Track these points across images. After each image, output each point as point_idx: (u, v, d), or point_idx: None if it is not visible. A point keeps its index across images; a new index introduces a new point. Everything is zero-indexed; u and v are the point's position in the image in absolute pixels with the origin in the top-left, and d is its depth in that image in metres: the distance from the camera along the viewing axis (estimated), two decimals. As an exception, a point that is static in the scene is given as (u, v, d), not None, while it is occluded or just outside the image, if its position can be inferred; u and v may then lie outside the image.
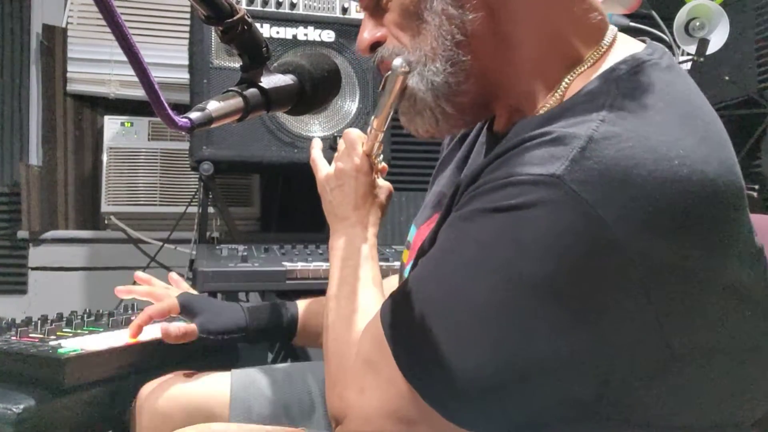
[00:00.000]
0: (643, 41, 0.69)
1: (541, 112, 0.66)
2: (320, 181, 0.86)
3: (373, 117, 0.77)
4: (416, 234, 0.87)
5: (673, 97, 0.60)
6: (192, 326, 1.02)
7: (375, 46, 0.74)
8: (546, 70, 0.67)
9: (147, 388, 1.01)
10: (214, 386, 1.02)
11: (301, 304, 1.11)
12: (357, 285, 0.76)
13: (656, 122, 0.57)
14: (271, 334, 1.09)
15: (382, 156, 0.86)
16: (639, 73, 0.62)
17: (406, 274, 0.85)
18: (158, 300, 1.08)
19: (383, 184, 0.86)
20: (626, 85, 0.61)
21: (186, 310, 1.04)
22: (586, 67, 0.66)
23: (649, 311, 0.55)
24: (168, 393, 1.00)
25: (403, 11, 0.70)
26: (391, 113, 0.75)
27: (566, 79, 0.66)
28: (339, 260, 0.80)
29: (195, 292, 1.18)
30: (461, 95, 0.70)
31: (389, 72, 0.71)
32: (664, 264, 0.54)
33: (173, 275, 1.20)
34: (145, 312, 1.03)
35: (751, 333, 0.61)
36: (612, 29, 0.69)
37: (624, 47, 0.67)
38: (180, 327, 1.01)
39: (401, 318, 0.62)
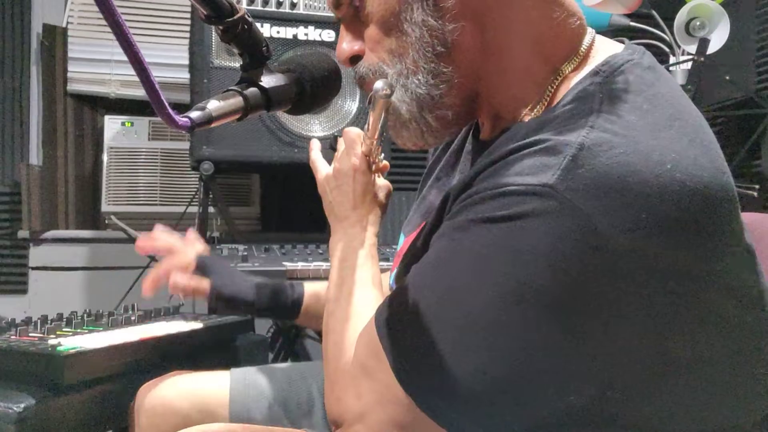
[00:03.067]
0: (621, 41, 0.70)
1: (527, 119, 0.66)
2: (320, 181, 0.86)
3: (366, 124, 0.77)
4: (404, 242, 0.88)
5: (657, 98, 0.60)
6: (204, 284, 1.03)
7: (354, 59, 0.74)
8: (529, 77, 0.67)
9: (146, 387, 1.01)
10: (214, 386, 1.02)
11: (308, 286, 1.11)
12: (355, 287, 0.76)
13: (644, 125, 0.57)
14: (275, 313, 1.11)
15: (383, 155, 0.85)
16: (622, 74, 0.62)
17: (391, 281, 0.85)
18: (176, 255, 1.08)
19: (382, 183, 0.86)
20: (611, 88, 0.61)
21: (201, 269, 1.05)
22: (568, 71, 0.66)
23: (648, 318, 0.55)
24: (167, 391, 1.00)
25: (382, 24, 0.70)
26: (379, 127, 0.75)
27: (550, 86, 0.66)
28: (338, 261, 0.80)
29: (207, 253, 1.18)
30: (445, 108, 0.70)
31: (372, 92, 0.71)
32: (662, 270, 0.54)
33: (191, 232, 1.18)
34: (161, 266, 1.04)
35: (748, 335, 0.61)
36: (590, 32, 0.69)
37: (604, 49, 0.68)
38: (191, 281, 1.01)
39: (396, 325, 0.62)
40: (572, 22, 0.68)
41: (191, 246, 1.11)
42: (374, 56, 0.71)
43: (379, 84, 0.69)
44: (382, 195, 0.85)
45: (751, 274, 0.61)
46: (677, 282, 0.55)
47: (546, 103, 0.66)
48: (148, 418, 0.98)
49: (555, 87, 0.66)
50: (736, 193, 0.61)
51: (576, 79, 0.64)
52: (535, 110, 0.66)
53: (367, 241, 0.80)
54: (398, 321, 0.62)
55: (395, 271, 0.84)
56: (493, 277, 0.57)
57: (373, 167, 0.83)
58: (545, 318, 0.55)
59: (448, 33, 0.66)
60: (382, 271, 0.82)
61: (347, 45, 0.74)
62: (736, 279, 0.59)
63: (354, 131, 0.84)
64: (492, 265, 0.57)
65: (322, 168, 0.87)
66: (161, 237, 1.11)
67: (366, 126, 0.77)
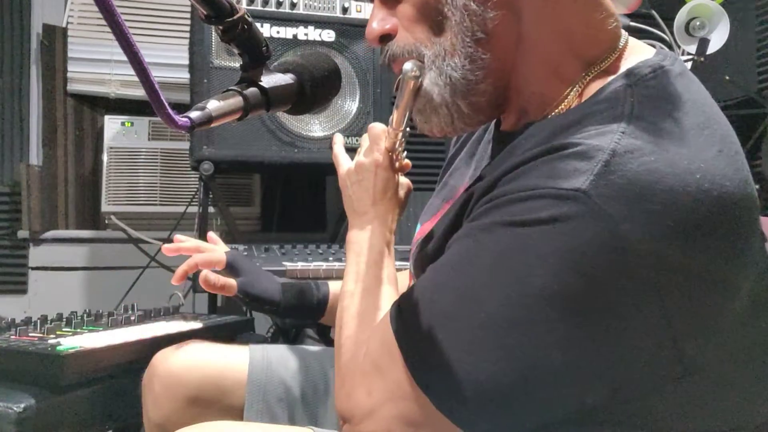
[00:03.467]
0: (653, 46, 0.70)
1: (554, 113, 0.66)
2: (341, 176, 0.85)
3: (392, 116, 0.76)
4: (420, 230, 0.87)
5: (687, 106, 0.60)
6: (232, 281, 1.04)
7: (384, 38, 0.73)
8: (560, 73, 0.67)
9: (162, 354, 1.01)
10: (232, 360, 1.02)
11: (333, 286, 1.11)
12: (371, 283, 0.76)
13: (675, 133, 0.58)
14: (300, 312, 1.11)
15: (405, 153, 0.84)
16: (654, 80, 0.62)
17: (412, 268, 0.84)
18: (206, 251, 1.11)
19: (403, 182, 0.85)
20: (642, 93, 0.61)
21: (231, 267, 1.07)
22: (598, 71, 0.66)
23: (665, 323, 0.55)
24: (183, 359, 1.00)
25: (422, 4, 0.69)
26: (408, 113, 0.73)
27: (579, 83, 0.66)
28: (355, 255, 0.79)
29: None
30: (478, 94, 0.69)
31: (401, 74, 0.70)
32: (683, 278, 0.55)
33: (212, 235, 1.21)
34: (193, 259, 1.06)
35: (762, 339, 0.62)
36: (624, 34, 0.69)
37: (636, 52, 0.67)
38: (220, 278, 1.03)
39: (412, 323, 0.62)
40: (610, 23, 0.67)
41: (217, 245, 1.15)
42: (410, 36, 0.70)
43: (408, 65, 0.69)
44: (402, 193, 0.85)
45: (766, 280, 0.62)
46: (697, 288, 0.55)
47: (573, 102, 0.66)
48: (163, 384, 0.98)
49: (584, 86, 0.66)
50: (758, 202, 0.61)
51: (607, 80, 0.64)
52: (560, 107, 0.66)
53: (384, 237, 0.80)
54: (414, 319, 0.62)
55: (411, 260, 0.83)
56: (514, 278, 0.57)
57: (396, 165, 0.83)
58: (565, 320, 0.55)
59: (489, 20, 0.66)
60: (398, 270, 0.82)
61: (379, 23, 0.72)
62: (755, 287, 0.59)
63: (379, 126, 0.83)
64: (515, 267, 0.57)
65: (344, 162, 0.87)
66: (187, 239, 1.14)
67: (390, 119, 0.76)
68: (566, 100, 0.66)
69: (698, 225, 0.55)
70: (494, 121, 0.81)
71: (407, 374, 0.60)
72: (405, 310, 0.63)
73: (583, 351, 0.55)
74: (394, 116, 0.75)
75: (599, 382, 0.56)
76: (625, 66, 0.65)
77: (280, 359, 1.05)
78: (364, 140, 0.85)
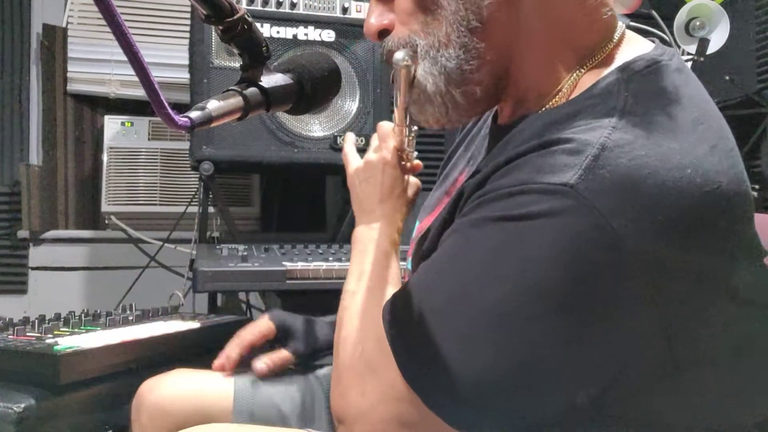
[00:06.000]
0: (652, 41, 0.69)
1: (548, 106, 0.66)
2: (350, 174, 0.85)
3: (393, 116, 0.76)
4: (419, 226, 0.86)
5: (683, 102, 0.60)
6: (285, 355, 1.00)
7: (383, 33, 0.72)
8: (556, 63, 0.66)
9: (147, 385, 1.00)
10: (217, 385, 1.01)
11: None
12: (373, 282, 0.75)
13: (668, 128, 0.57)
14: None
15: (416, 153, 0.84)
16: (649, 74, 0.61)
17: (408, 266, 0.84)
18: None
19: (412, 181, 0.85)
20: (637, 87, 0.60)
21: (280, 331, 1.02)
22: (594, 62, 0.65)
23: (655, 318, 0.55)
24: (169, 390, 0.99)
25: None
26: (407, 107, 0.73)
27: (575, 74, 0.65)
28: (359, 254, 0.79)
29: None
30: (473, 84, 0.68)
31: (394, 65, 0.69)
32: (674, 273, 0.54)
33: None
34: (240, 337, 1.00)
35: (755, 338, 0.61)
36: (621, 26, 0.68)
37: (633, 46, 0.67)
38: (275, 361, 0.99)
39: (403, 321, 0.62)
40: (605, 12, 0.66)
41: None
42: (405, 29, 0.70)
43: (399, 54, 0.68)
44: (410, 192, 0.84)
45: (760, 277, 0.61)
46: (687, 284, 0.55)
47: (567, 94, 0.65)
48: (150, 415, 0.97)
49: (580, 77, 0.65)
50: (752, 198, 0.61)
51: (602, 73, 0.64)
52: (555, 99, 0.66)
53: (390, 236, 0.79)
54: (405, 317, 0.62)
55: (411, 256, 0.83)
56: (505, 274, 0.57)
57: (408, 165, 0.82)
58: (555, 315, 0.55)
59: (484, 8, 0.65)
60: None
61: (376, 18, 0.72)
62: (747, 284, 0.59)
63: (387, 125, 0.82)
64: (505, 262, 0.57)
65: (353, 160, 0.86)
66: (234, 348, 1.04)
67: (394, 115, 0.76)
68: (561, 93, 0.66)
69: (689, 220, 0.54)
70: (492, 114, 0.81)
71: (399, 373, 0.60)
72: (397, 309, 0.63)
73: (573, 347, 0.55)
74: (396, 114, 0.75)
75: (589, 379, 0.56)
76: (621, 59, 0.65)
77: (266, 378, 1.03)
78: (374, 139, 0.85)
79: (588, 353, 0.55)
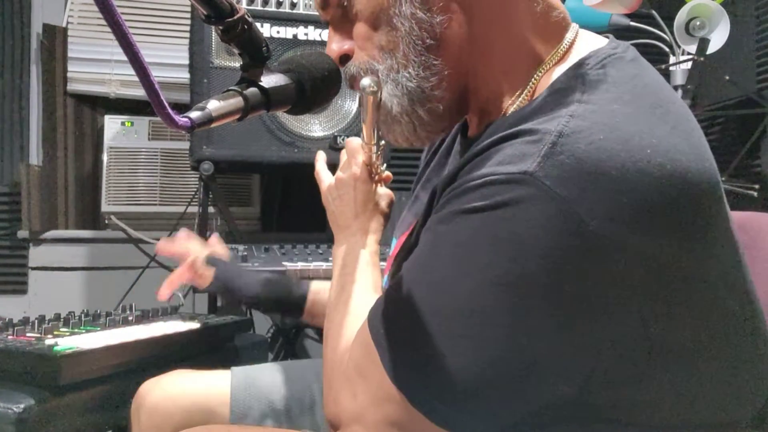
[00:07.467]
0: (606, 37, 0.70)
1: (510, 111, 0.67)
2: (323, 192, 0.87)
3: (362, 133, 0.78)
4: (396, 244, 0.88)
5: (640, 89, 0.61)
6: (207, 272, 1.11)
7: (344, 59, 0.74)
8: (513, 70, 0.68)
9: (146, 386, 1.01)
10: (215, 385, 1.02)
11: (315, 283, 1.13)
12: (353, 292, 0.76)
13: (626, 113, 0.57)
14: (279, 306, 1.15)
15: (385, 165, 0.86)
16: (604, 66, 0.62)
17: (385, 282, 0.85)
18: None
19: (384, 192, 0.87)
20: (593, 79, 0.61)
21: (210, 264, 1.13)
22: (551, 64, 0.67)
23: (630, 305, 0.55)
24: (168, 391, 0.99)
25: (372, 20, 0.70)
26: (375, 126, 0.75)
27: (533, 78, 0.67)
28: (339, 268, 0.81)
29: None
30: (436, 100, 0.70)
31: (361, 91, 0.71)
32: (643, 256, 0.54)
33: (215, 237, 1.25)
34: (177, 270, 1.13)
35: (734, 325, 0.61)
36: (574, 26, 0.70)
37: (587, 43, 0.68)
38: (190, 272, 1.11)
39: (386, 323, 0.62)
40: (554, 15, 0.68)
41: (211, 249, 1.17)
42: (364, 54, 0.72)
43: (365, 81, 0.69)
44: (384, 204, 0.86)
45: (735, 262, 0.61)
46: (659, 266, 0.55)
47: (529, 96, 0.66)
48: (149, 417, 0.98)
49: (538, 80, 0.67)
50: (720, 180, 0.60)
51: (559, 71, 0.65)
52: (517, 103, 0.67)
53: (368, 248, 0.81)
54: (388, 319, 0.62)
55: (389, 272, 0.84)
56: (475, 267, 0.57)
57: (376, 177, 0.84)
58: (529, 305, 0.55)
59: (437, 25, 0.67)
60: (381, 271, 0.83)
61: (336, 45, 0.74)
62: (720, 264, 0.59)
63: (355, 141, 0.84)
64: (474, 255, 0.57)
65: (325, 179, 0.89)
66: (181, 242, 1.15)
67: (362, 134, 0.78)
68: (521, 98, 0.67)
69: (653, 200, 0.54)
70: (461, 130, 0.82)
71: (386, 375, 0.60)
72: (380, 312, 0.64)
73: (549, 336, 0.55)
74: (364, 131, 0.76)
75: (570, 370, 0.56)
76: (577, 56, 0.66)
77: (263, 377, 1.05)
78: (343, 155, 0.87)
79: (566, 340, 0.55)
